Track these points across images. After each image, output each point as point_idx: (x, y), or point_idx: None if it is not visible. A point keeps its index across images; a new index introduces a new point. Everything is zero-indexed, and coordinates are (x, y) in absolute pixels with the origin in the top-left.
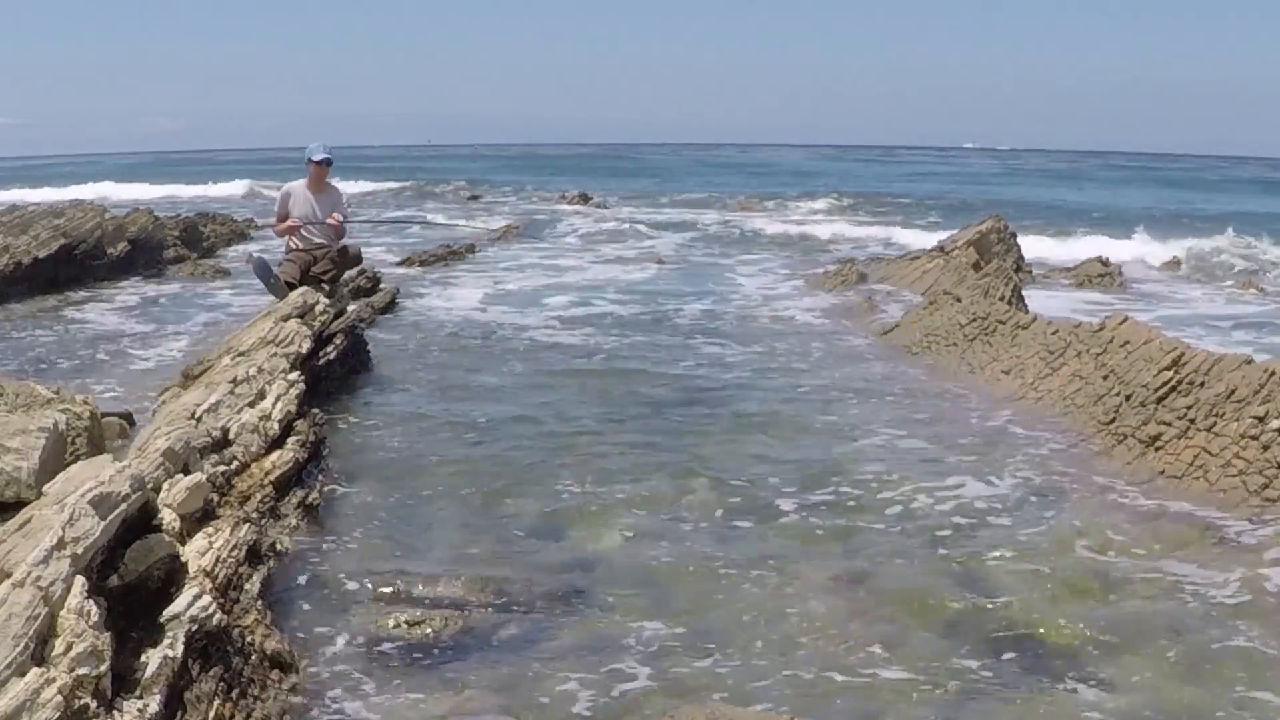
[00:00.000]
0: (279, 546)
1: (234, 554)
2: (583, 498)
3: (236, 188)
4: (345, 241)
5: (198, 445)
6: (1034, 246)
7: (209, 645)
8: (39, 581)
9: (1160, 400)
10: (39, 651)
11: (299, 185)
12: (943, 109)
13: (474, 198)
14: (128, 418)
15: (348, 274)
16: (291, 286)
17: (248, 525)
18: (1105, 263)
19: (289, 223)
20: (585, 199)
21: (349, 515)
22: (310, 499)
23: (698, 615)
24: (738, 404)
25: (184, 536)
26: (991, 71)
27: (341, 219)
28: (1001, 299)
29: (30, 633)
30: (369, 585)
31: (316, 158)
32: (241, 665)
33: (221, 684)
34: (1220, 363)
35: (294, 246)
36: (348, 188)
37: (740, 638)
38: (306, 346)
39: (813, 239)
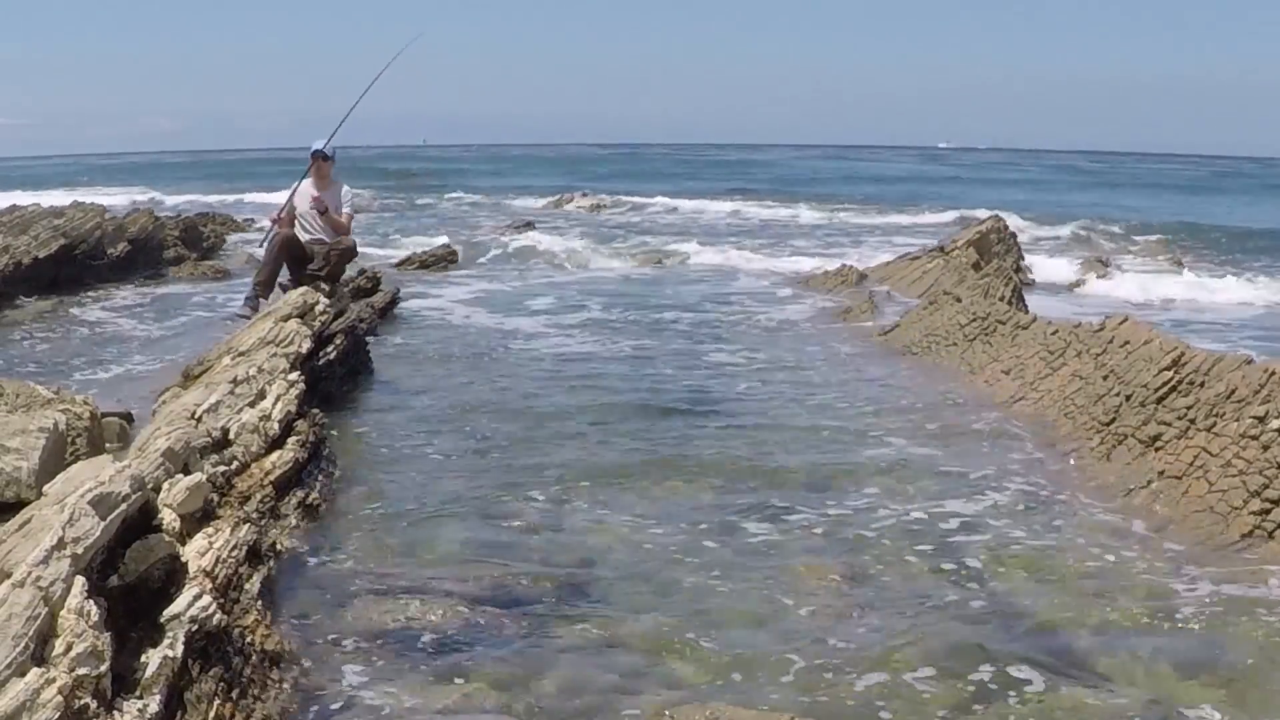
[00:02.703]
0: (279, 546)
1: (234, 554)
2: (583, 497)
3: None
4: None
5: (198, 445)
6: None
7: (209, 645)
8: (39, 581)
9: (1160, 400)
10: (39, 651)
11: (306, 182)
12: (917, 109)
13: (474, 196)
14: (128, 418)
15: (348, 274)
16: (296, 284)
17: (248, 525)
18: (1105, 263)
19: (281, 207)
20: (585, 199)
21: (349, 515)
22: (310, 499)
23: (698, 615)
24: (738, 406)
25: (184, 536)
26: (968, 71)
27: (347, 214)
28: (1001, 299)
29: (30, 633)
30: (369, 584)
31: (312, 149)
32: (241, 665)
33: (221, 684)
34: (1220, 363)
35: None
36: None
37: (741, 637)
38: (306, 346)
39: (813, 239)
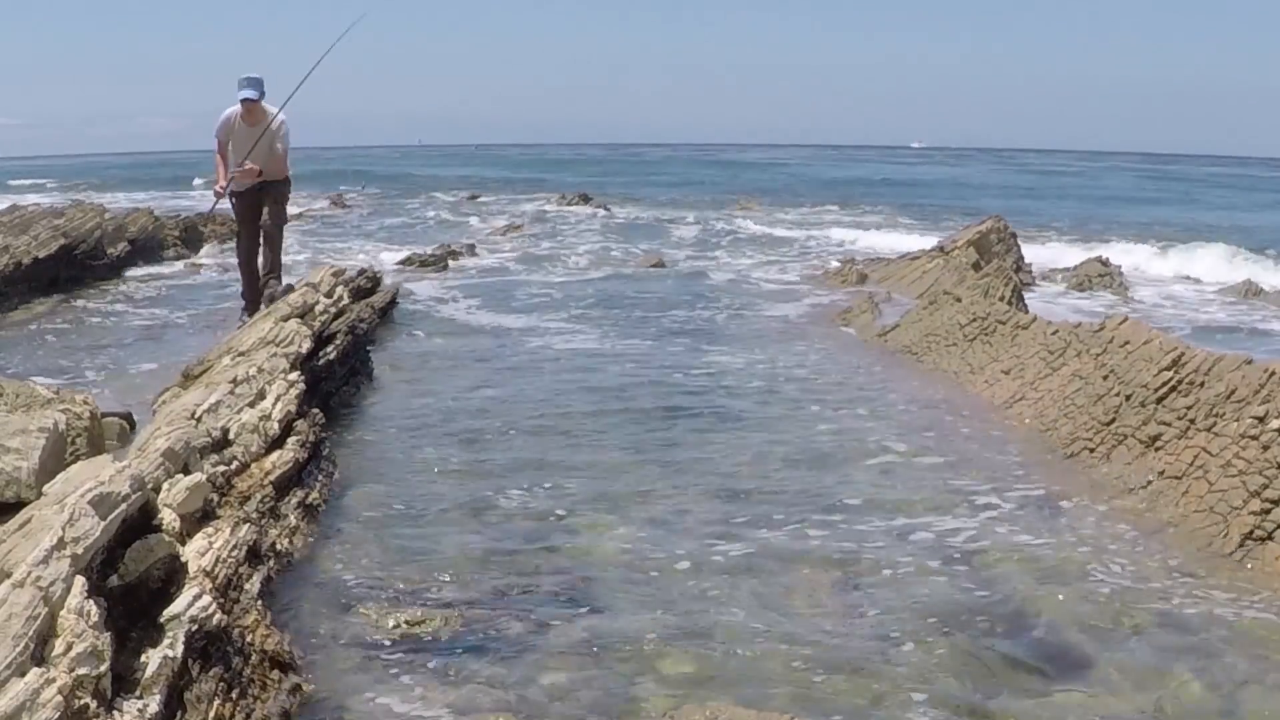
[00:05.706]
0: (279, 547)
1: (234, 554)
2: (583, 499)
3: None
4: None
5: (198, 445)
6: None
7: (209, 645)
8: (39, 581)
9: (1160, 400)
10: (39, 651)
11: (236, 116)
12: (891, 108)
13: (473, 197)
14: (128, 418)
15: (348, 273)
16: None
17: (248, 525)
18: (1105, 263)
19: (220, 171)
20: (585, 199)
21: (349, 515)
22: (310, 499)
23: (697, 615)
24: (737, 408)
25: (184, 536)
26: (942, 70)
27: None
28: (1001, 299)
29: (30, 633)
30: (369, 585)
31: (240, 96)
32: (241, 665)
33: (221, 684)
34: (1220, 363)
35: (232, 190)
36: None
37: (740, 639)
38: (306, 346)
39: (814, 239)
